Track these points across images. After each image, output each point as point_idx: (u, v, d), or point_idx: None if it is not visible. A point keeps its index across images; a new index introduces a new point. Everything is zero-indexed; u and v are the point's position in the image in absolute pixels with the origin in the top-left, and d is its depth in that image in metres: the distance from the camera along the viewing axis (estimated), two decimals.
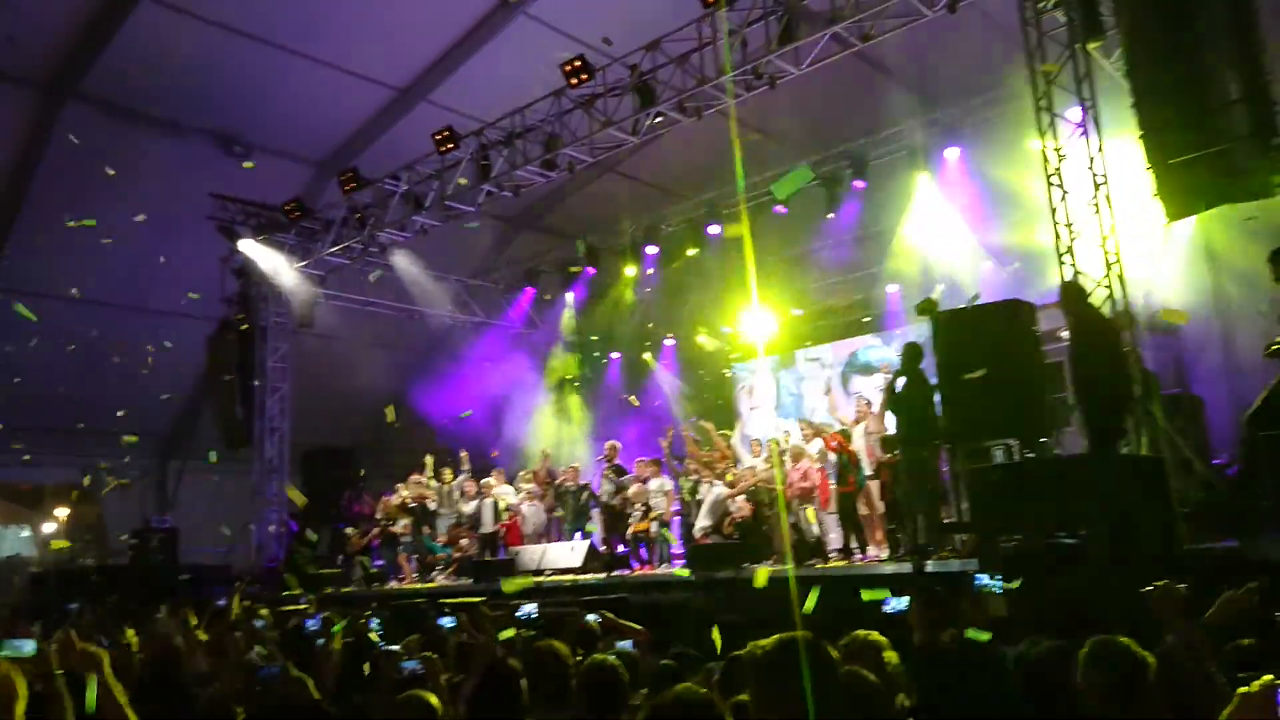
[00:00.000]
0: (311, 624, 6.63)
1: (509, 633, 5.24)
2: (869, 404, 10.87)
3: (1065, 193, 9.01)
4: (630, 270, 17.60)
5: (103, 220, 15.10)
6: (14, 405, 16.46)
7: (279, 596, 13.07)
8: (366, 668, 5.21)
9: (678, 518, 12.30)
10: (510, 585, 8.94)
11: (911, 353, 9.36)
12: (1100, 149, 8.88)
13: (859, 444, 10.59)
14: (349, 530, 14.95)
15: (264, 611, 7.47)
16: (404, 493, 14.43)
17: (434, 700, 3.68)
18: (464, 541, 13.93)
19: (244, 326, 16.19)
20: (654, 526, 12.31)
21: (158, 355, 16.85)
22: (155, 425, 18.92)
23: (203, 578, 14.71)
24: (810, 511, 10.81)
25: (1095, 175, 8.83)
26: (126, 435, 15.29)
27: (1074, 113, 9.20)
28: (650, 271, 17.50)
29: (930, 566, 8.35)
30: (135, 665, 5.26)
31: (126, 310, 16.52)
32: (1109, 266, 8.72)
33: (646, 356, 19.19)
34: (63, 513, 19.18)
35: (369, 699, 4.66)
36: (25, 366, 15.98)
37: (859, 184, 14.67)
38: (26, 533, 20.26)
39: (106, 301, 16.24)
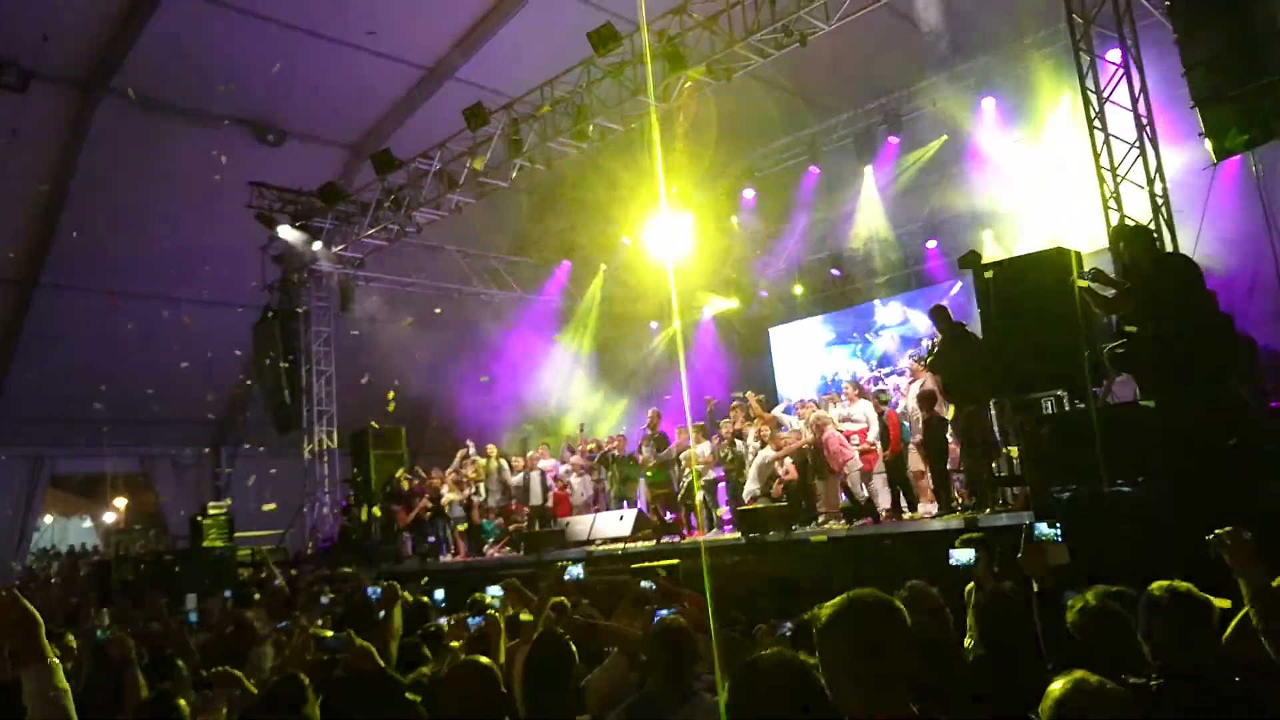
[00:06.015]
0: (372, 593, 6.72)
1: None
2: (922, 362, 10.70)
3: (1108, 136, 8.82)
4: (666, 238, 17.52)
5: (142, 213, 15.37)
6: (69, 397, 16.86)
7: (335, 575, 13.30)
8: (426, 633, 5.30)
9: (722, 484, 12.28)
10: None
11: (941, 314, 9.37)
12: (1143, 89, 8.67)
13: (912, 403, 10.39)
14: (396, 508, 15.14)
15: (326, 589, 7.62)
16: (451, 475, 14.60)
17: (489, 662, 3.71)
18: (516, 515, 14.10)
19: (285, 312, 16.36)
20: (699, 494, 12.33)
21: (205, 344, 17.14)
22: (205, 413, 19.27)
23: (259, 560, 15.02)
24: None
25: (1139, 116, 8.64)
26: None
27: (1113, 54, 8.99)
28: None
29: (981, 520, 8.29)
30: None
31: (171, 301, 16.74)
32: (1156, 210, 8.54)
33: (681, 325, 19.13)
34: (122, 503, 19.66)
35: (431, 664, 4.73)
36: (78, 359, 16.34)
37: (893, 139, 14.50)
38: (88, 523, 20.82)
39: (151, 294, 16.47)
